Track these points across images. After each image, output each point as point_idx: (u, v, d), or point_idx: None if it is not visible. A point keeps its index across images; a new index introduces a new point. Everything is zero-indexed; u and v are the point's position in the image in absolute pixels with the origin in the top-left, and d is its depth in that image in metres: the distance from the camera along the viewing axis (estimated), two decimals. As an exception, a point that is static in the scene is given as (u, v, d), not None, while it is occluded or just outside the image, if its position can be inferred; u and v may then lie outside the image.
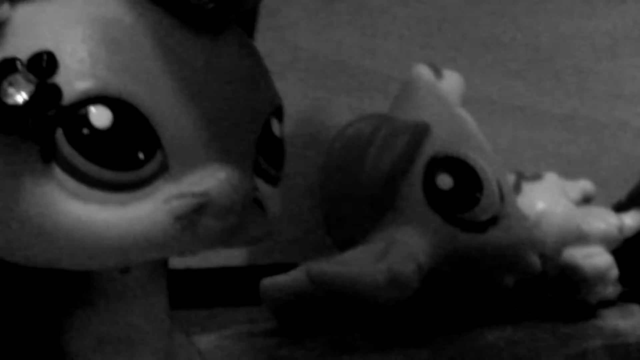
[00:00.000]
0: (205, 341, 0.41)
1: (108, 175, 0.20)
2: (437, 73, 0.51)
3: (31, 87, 0.19)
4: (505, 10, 0.66)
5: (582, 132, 0.67)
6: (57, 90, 0.19)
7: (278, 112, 0.24)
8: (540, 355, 0.40)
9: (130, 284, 0.23)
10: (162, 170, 0.20)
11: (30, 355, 0.23)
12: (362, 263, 0.43)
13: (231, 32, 0.23)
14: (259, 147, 0.23)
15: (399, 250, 0.44)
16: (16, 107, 0.19)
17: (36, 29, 0.20)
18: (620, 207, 0.56)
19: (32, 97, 0.19)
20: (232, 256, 0.55)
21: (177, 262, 0.25)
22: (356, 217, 0.47)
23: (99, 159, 0.19)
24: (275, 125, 0.24)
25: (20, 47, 0.19)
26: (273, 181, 0.24)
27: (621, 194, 0.57)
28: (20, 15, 0.20)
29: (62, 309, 0.23)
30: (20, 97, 0.19)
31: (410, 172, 0.46)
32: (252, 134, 0.22)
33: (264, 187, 0.23)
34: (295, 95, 0.58)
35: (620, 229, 0.52)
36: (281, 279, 0.45)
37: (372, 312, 0.44)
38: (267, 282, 0.45)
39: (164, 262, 0.24)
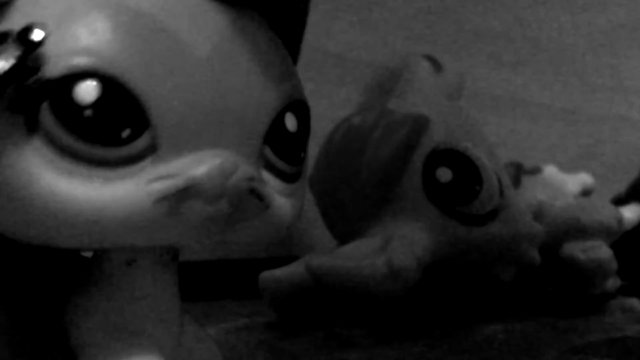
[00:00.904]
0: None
1: (91, 150, 0.19)
2: (437, 66, 0.51)
3: (15, 57, 0.19)
4: (505, 4, 0.66)
5: (582, 125, 0.67)
6: (39, 61, 0.19)
7: (296, 107, 0.23)
8: (539, 349, 0.40)
9: (136, 275, 0.23)
10: (150, 151, 0.20)
11: (37, 347, 0.22)
12: (361, 256, 0.43)
13: (252, 24, 0.23)
14: (267, 140, 0.22)
15: (398, 243, 0.44)
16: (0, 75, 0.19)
17: (36, 6, 0.20)
18: (619, 200, 0.56)
19: (14, 66, 0.19)
20: (231, 249, 0.55)
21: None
22: (355, 210, 0.47)
23: (83, 133, 0.19)
24: (289, 120, 0.23)
25: (17, 22, 0.19)
26: (286, 177, 0.23)
27: (621, 187, 0.57)
28: None
29: (68, 301, 0.23)
30: (4, 65, 0.19)
31: (410, 165, 0.46)
32: (259, 126, 0.22)
33: (273, 182, 0.22)
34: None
35: (620, 222, 0.52)
36: (280, 272, 0.45)
37: (371, 306, 0.44)
38: (267, 275, 0.45)
39: (174, 255, 0.24)
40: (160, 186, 0.20)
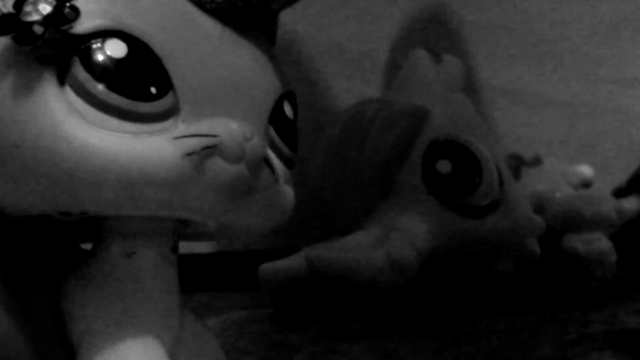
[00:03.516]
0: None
1: (120, 101, 0.20)
2: (437, 58, 0.51)
3: (49, 7, 0.20)
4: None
5: (582, 117, 0.67)
6: (74, 10, 0.20)
7: (290, 97, 0.25)
8: (539, 340, 0.40)
9: (136, 267, 0.23)
10: (174, 111, 0.21)
11: (36, 339, 0.22)
12: (361, 249, 0.43)
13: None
14: (271, 121, 0.23)
15: (398, 235, 0.44)
16: (32, 22, 0.20)
17: None
18: (620, 192, 0.56)
19: (50, 16, 0.20)
20: (229, 241, 0.55)
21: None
22: (355, 202, 0.47)
23: (112, 84, 0.20)
24: (287, 107, 0.24)
25: None
26: (287, 161, 0.24)
27: (621, 179, 0.57)
28: None
29: (67, 292, 0.23)
30: (38, 15, 0.20)
31: (410, 157, 0.46)
32: (265, 104, 0.23)
33: (277, 162, 0.23)
34: (294, 80, 0.58)
35: (620, 213, 0.52)
36: (279, 264, 0.45)
37: (370, 298, 0.44)
38: (266, 267, 0.45)
39: (174, 247, 0.24)
40: (188, 142, 0.21)
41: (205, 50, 0.22)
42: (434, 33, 0.63)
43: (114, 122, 0.20)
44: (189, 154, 0.21)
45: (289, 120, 0.24)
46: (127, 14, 0.21)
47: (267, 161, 0.22)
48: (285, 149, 0.24)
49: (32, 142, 0.20)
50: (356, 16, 0.62)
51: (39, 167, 0.20)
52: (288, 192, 0.24)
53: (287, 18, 0.61)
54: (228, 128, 0.21)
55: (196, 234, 0.25)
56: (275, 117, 0.24)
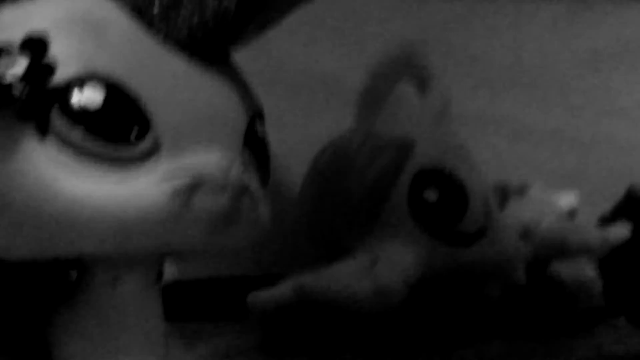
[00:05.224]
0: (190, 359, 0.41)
1: (103, 148, 0.21)
2: (422, 88, 0.52)
3: (25, 64, 0.20)
4: (491, 27, 0.67)
5: (567, 147, 0.68)
6: (50, 66, 0.20)
7: (261, 116, 0.26)
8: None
9: (120, 296, 0.23)
10: (155, 149, 0.22)
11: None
12: (349, 277, 0.44)
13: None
14: (246, 142, 0.24)
15: (385, 263, 0.44)
16: (11, 84, 0.20)
17: (25, 23, 0.21)
18: (604, 221, 0.56)
19: (27, 72, 0.20)
20: (219, 267, 0.55)
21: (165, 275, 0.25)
22: (342, 231, 0.47)
23: (94, 131, 0.20)
24: (258, 127, 0.25)
25: (12, 36, 0.20)
26: (261, 180, 0.25)
27: (606, 207, 0.57)
28: (7, 14, 0.21)
29: (53, 320, 0.23)
30: (15, 74, 0.20)
31: (397, 186, 0.46)
32: (238, 127, 0.24)
33: (254, 183, 0.24)
34: (281, 110, 0.58)
35: (605, 242, 0.52)
36: (268, 292, 0.45)
37: (359, 325, 0.44)
38: (255, 295, 0.45)
39: (158, 274, 0.24)
40: (173, 181, 0.21)
41: (177, 86, 0.22)
42: (419, 64, 0.64)
43: (99, 169, 0.20)
44: (176, 193, 0.21)
45: (261, 139, 0.25)
46: (100, 59, 0.21)
47: (247, 188, 0.23)
48: (259, 168, 0.25)
49: (22, 200, 0.20)
50: (344, 47, 0.62)
51: (31, 222, 0.20)
52: (265, 210, 0.25)
53: (274, 50, 0.61)
54: (209, 162, 0.22)
55: (179, 257, 0.25)
56: (248, 139, 0.24)
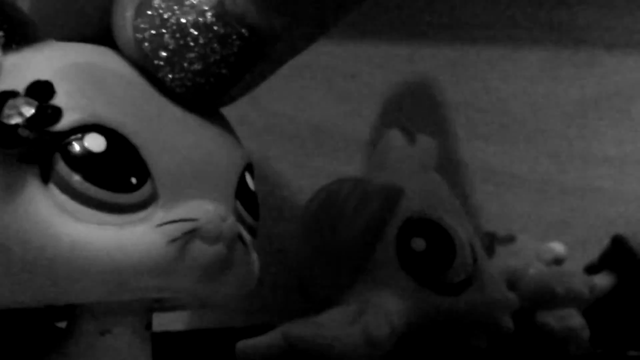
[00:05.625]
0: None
1: (104, 195, 0.21)
2: (411, 137, 0.52)
3: (32, 109, 0.20)
4: (478, 76, 0.68)
5: (554, 195, 0.68)
6: (57, 110, 0.21)
7: (250, 168, 0.26)
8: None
9: (110, 345, 0.23)
10: (153, 198, 0.22)
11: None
12: (337, 325, 0.44)
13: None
14: (237, 195, 0.25)
15: (373, 312, 0.44)
16: (17, 124, 0.20)
17: (29, 70, 0.21)
18: (591, 269, 0.56)
19: (33, 117, 0.20)
20: (208, 319, 0.55)
21: (154, 326, 0.26)
22: (330, 279, 0.47)
23: (95, 178, 0.21)
24: (249, 179, 0.26)
25: (17, 83, 0.20)
26: (251, 230, 0.25)
27: (592, 255, 0.58)
28: (11, 61, 0.21)
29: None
30: (21, 118, 0.20)
31: (384, 235, 0.46)
32: (231, 180, 0.24)
33: (245, 234, 0.24)
34: (270, 158, 0.59)
35: (592, 290, 0.53)
36: (257, 341, 0.45)
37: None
38: (243, 344, 0.45)
39: (147, 324, 0.24)
40: (170, 228, 0.21)
41: (175, 135, 0.23)
42: (408, 114, 0.64)
43: (98, 215, 0.21)
44: (173, 240, 0.21)
45: (251, 191, 0.25)
46: (102, 106, 0.21)
47: (239, 236, 0.23)
48: (249, 219, 0.25)
49: (21, 243, 0.20)
50: (332, 96, 0.63)
51: (28, 266, 0.20)
52: (255, 259, 0.25)
53: (265, 99, 0.62)
54: (205, 210, 0.22)
55: (169, 307, 0.25)
56: (240, 190, 0.25)
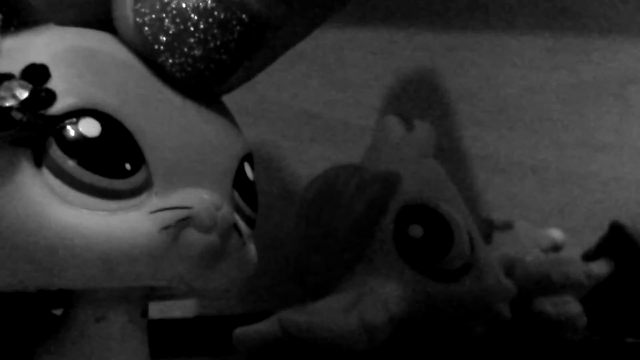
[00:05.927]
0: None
1: (97, 180, 0.21)
2: (408, 124, 0.52)
3: (26, 92, 0.20)
4: (476, 63, 0.67)
5: (552, 182, 0.68)
6: (51, 93, 0.20)
7: (249, 158, 0.26)
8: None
9: (106, 332, 0.23)
10: (148, 185, 0.22)
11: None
12: (334, 312, 0.44)
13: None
14: (235, 184, 0.24)
15: (370, 299, 0.44)
16: (11, 107, 0.20)
17: (26, 53, 0.21)
18: (589, 256, 0.56)
19: (27, 100, 0.20)
20: (204, 305, 0.55)
21: (150, 313, 0.26)
22: (328, 266, 0.47)
23: (89, 163, 0.21)
24: (248, 169, 0.25)
25: (13, 66, 0.20)
26: (249, 222, 0.25)
27: (590, 242, 0.58)
28: (9, 44, 0.21)
29: (37, 356, 0.23)
30: (15, 101, 0.20)
31: (382, 222, 0.46)
32: (229, 167, 0.24)
33: (242, 225, 0.24)
34: (267, 146, 0.59)
35: (589, 277, 0.53)
36: (254, 328, 0.45)
37: (344, 361, 0.44)
38: (240, 331, 0.45)
39: (143, 311, 0.24)
40: (163, 215, 0.21)
41: (172, 122, 0.23)
42: (405, 100, 0.64)
43: (91, 200, 0.21)
44: (166, 228, 0.21)
45: (250, 182, 0.25)
46: (98, 91, 0.21)
47: (235, 226, 0.23)
48: (247, 210, 0.25)
49: (12, 226, 0.20)
50: (330, 84, 0.63)
51: (20, 249, 0.20)
52: (252, 250, 0.25)
53: (261, 86, 0.62)
54: (200, 199, 0.22)
55: (165, 295, 0.25)
56: (238, 180, 0.24)
